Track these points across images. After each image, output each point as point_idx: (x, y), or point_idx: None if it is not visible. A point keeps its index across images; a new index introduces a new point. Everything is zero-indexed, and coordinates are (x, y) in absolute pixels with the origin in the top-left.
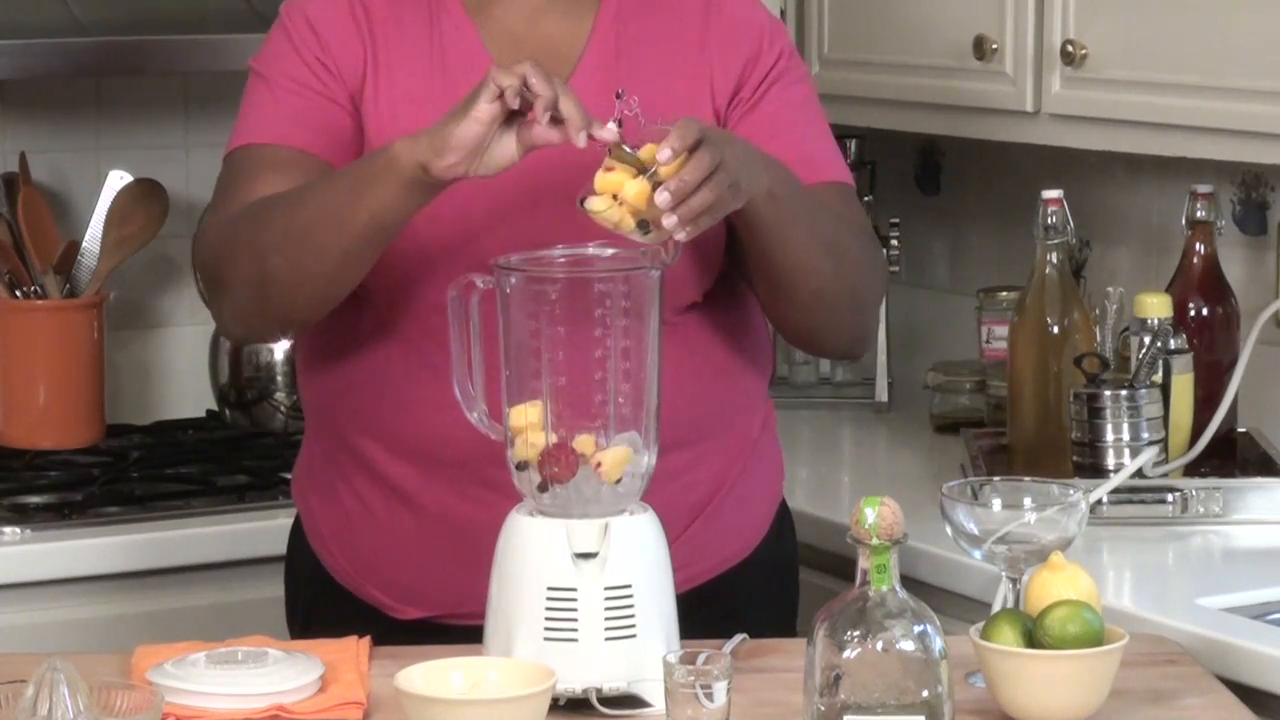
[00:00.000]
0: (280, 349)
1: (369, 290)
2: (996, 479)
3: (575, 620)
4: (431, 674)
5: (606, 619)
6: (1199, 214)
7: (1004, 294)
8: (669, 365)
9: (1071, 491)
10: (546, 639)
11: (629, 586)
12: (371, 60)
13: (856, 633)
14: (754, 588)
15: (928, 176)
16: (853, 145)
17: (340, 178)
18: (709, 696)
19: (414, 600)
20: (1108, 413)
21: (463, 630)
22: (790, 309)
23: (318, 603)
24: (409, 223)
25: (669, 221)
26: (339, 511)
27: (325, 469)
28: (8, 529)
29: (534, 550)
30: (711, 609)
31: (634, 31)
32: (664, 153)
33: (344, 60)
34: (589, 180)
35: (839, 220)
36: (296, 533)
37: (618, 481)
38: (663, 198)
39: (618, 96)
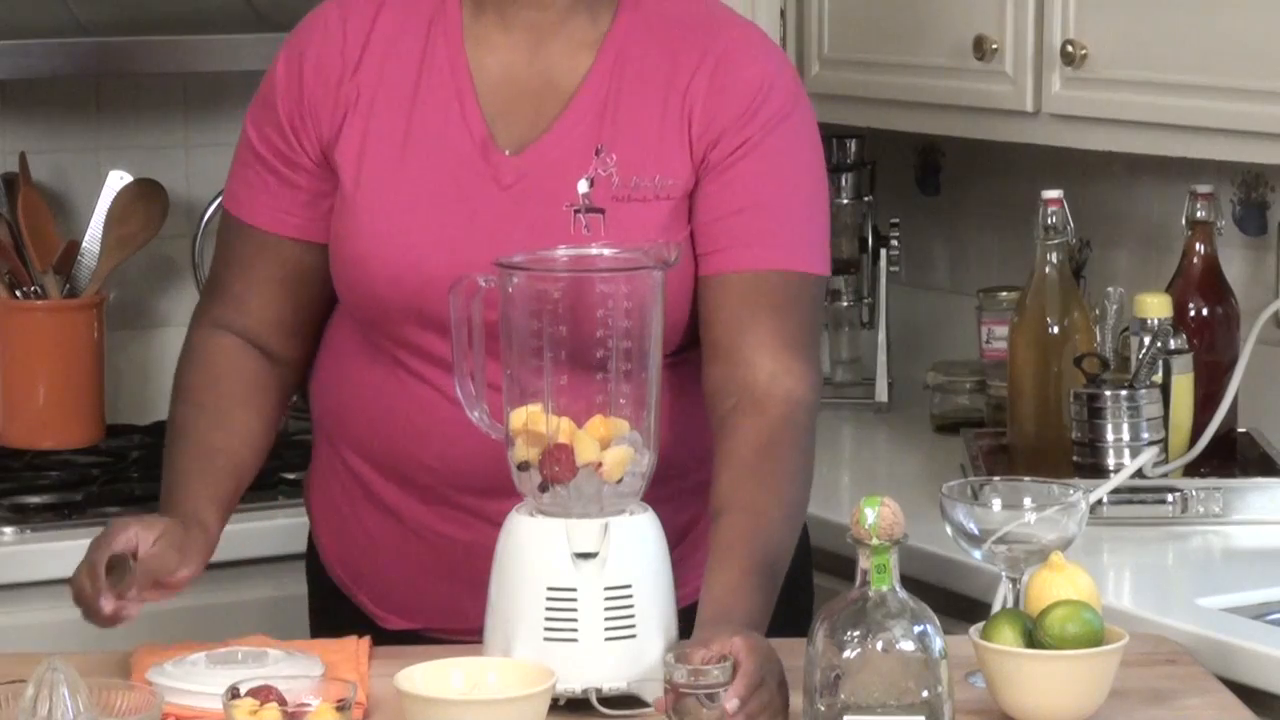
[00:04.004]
0: None
1: (357, 319)
2: (996, 479)
3: (575, 620)
4: (431, 674)
5: (606, 619)
6: (1199, 214)
7: (1004, 294)
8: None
9: (1071, 491)
10: (546, 639)
11: (629, 586)
12: (353, 98)
13: (856, 633)
14: None
15: (928, 176)
16: (853, 145)
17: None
18: (710, 698)
19: (399, 612)
20: (1108, 413)
21: (447, 644)
22: None
23: (324, 602)
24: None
25: None
26: (336, 517)
27: (327, 477)
28: (8, 529)
29: (534, 550)
30: None
31: (632, 74)
32: (732, 703)
33: (323, 104)
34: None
35: (782, 528)
36: (312, 534)
37: (618, 481)
38: (733, 704)
39: (596, 153)
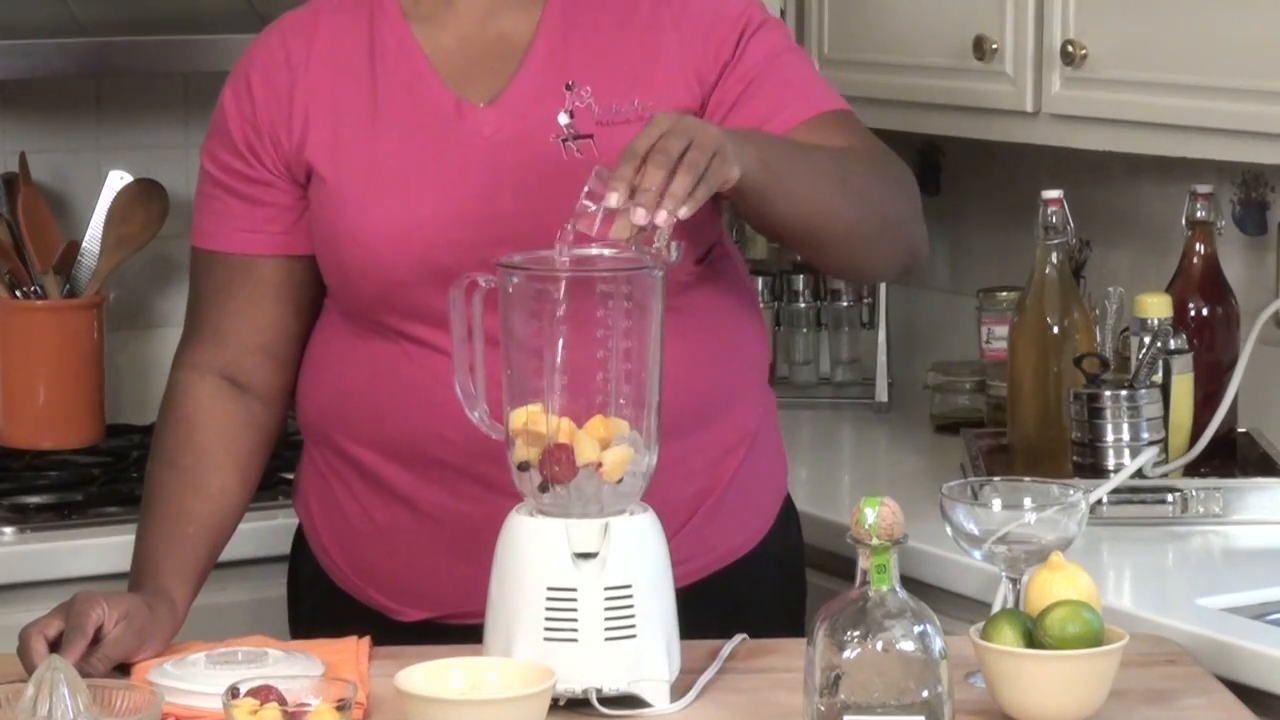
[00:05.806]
0: None
1: (357, 303)
2: (996, 479)
3: (575, 620)
4: (431, 674)
5: (606, 619)
6: (1199, 214)
7: (1004, 294)
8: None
9: (1071, 491)
10: (546, 639)
11: (629, 586)
12: (310, 100)
13: (856, 633)
14: (760, 582)
15: (928, 176)
16: None
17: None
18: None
19: (417, 602)
20: (1108, 413)
21: (466, 630)
22: (831, 256)
23: (321, 608)
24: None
25: (658, 218)
26: (339, 518)
27: (324, 477)
28: (8, 529)
29: (534, 550)
30: (717, 603)
31: (585, 21)
32: (611, 199)
33: (279, 115)
34: (558, 179)
35: (841, 156)
36: (298, 540)
37: (618, 481)
38: (638, 214)
39: (568, 88)
